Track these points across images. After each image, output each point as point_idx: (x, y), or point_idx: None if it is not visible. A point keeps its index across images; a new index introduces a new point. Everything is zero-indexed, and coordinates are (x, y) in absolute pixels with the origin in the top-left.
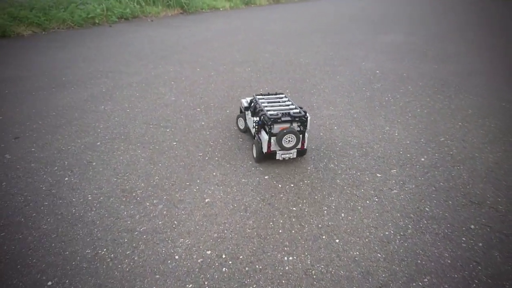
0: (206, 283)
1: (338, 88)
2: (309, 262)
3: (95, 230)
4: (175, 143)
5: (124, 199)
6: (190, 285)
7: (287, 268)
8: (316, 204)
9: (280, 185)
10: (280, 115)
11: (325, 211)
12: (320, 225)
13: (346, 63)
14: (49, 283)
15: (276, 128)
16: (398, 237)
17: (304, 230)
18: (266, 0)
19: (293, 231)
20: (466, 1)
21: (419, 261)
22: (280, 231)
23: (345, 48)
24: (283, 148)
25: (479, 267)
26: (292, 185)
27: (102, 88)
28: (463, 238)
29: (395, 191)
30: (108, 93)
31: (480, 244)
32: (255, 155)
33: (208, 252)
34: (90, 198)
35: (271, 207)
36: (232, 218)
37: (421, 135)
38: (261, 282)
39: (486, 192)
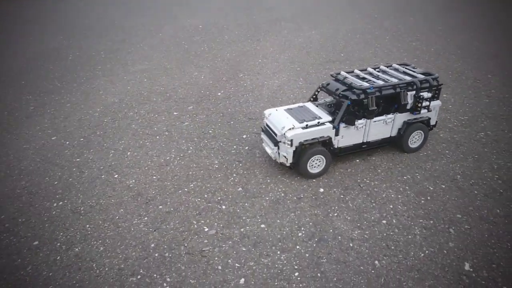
0: None
1: (157, 44)
2: (80, 202)
3: None
4: None
5: None
6: None
7: (54, 212)
8: (103, 150)
9: (67, 142)
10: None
11: (111, 154)
12: (101, 167)
13: (171, 22)
14: None
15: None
16: (178, 158)
17: (83, 176)
18: None
19: (71, 179)
20: None
21: (190, 172)
22: (56, 182)
23: (170, 9)
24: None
25: (240, 164)
26: (82, 139)
27: None
28: (234, 146)
29: (186, 123)
30: None
31: (247, 148)
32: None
33: None
34: None
35: (51, 164)
36: (0, 185)
37: (224, 75)
38: (20, 233)
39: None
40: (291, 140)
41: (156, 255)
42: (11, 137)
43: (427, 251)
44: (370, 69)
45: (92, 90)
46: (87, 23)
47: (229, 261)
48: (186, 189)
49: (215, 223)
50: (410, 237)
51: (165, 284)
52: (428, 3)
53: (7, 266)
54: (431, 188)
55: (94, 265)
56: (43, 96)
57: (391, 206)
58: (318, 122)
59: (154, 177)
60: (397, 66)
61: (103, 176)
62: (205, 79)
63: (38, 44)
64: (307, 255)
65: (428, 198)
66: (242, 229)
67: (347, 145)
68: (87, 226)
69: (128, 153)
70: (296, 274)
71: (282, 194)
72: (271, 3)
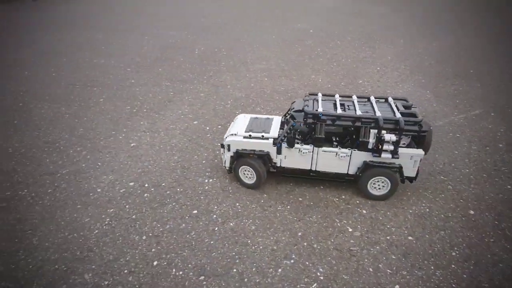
0: (127, 206)
1: (272, 46)
2: (227, 181)
3: (16, 176)
4: (102, 100)
5: (46, 149)
6: (112, 210)
7: (206, 188)
8: None
9: (207, 128)
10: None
11: None
12: None
13: (280, 25)
14: None
15: None
16: None
17: None
18: None
19: (216, 161)
20: None
21: None
22: (204, 161)
23: (277, 9)
24: None
25: None
26: (219, 126)
27: (24, 55)
28: None
29: None
30: (30, 59)
31: None
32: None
33: (131, 184)
34: (10, 151)
35: (197, 145)
36: (157, 156)
37: (341, 80)
38: (180, 200)
39: None
40: (228, 146)
41: (305, 244)
42: (158, 116)
43: None
44: (354, 97)
45: (220, 84)
46: (203, 21)
47: (380, 265)
48: (322, 187)
49: (359, 226)
50: None
51: (318, 274)
52: None
53: (174, 228)
54: None
55: (249, 241)
56: (179, 84)
57: None
58: (262, 136)
59: None
60: (391, 100)
61: None
62: (322, 82)
63: (167, 37)
64: (464, 276)
65: None
66: (388, 237)
67: (292, 167)
68: (237, 204)
69: None
70: None
71: (427, 210)
72: (381, 11)
